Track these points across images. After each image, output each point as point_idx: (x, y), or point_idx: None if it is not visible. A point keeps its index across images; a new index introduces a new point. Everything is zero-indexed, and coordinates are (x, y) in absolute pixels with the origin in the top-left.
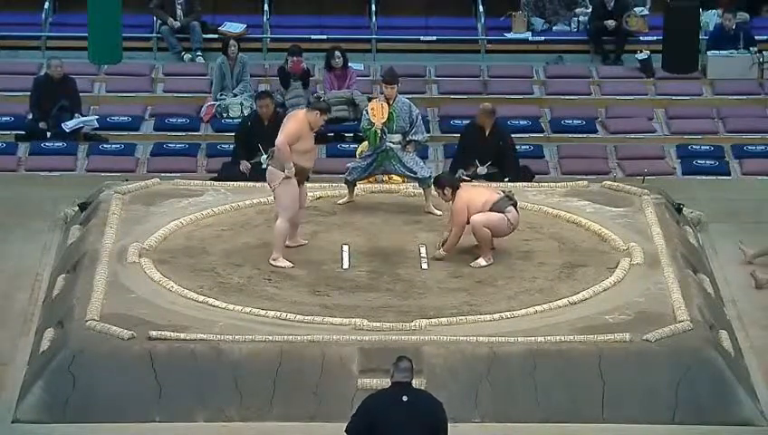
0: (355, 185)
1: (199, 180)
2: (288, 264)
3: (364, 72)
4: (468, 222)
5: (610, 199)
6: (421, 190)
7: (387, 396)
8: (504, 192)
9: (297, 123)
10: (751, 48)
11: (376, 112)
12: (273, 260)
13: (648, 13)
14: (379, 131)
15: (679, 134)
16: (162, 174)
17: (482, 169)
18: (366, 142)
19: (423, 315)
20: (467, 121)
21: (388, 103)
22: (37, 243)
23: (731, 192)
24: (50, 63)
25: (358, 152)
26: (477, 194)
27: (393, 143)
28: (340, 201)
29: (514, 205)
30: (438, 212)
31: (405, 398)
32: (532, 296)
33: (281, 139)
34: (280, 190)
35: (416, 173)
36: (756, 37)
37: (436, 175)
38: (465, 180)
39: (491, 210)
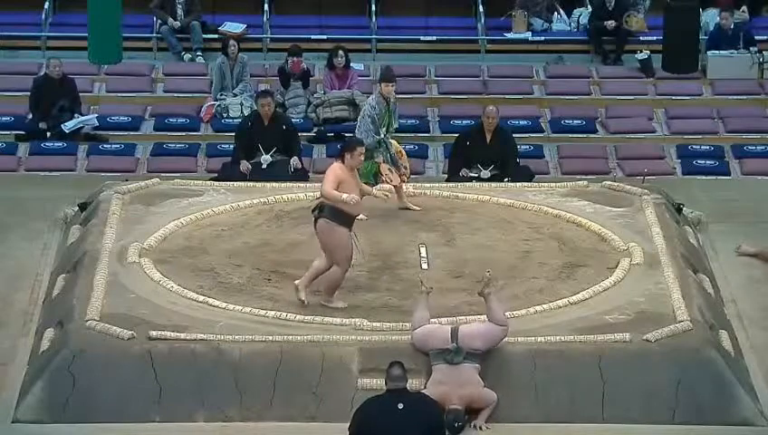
0: None
1: (199, 180)
2: (343, 304)
3: (364, 72)
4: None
5: (610, 199)
6: (421, 192)
7: (382, 405)
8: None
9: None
10: (751, 48)
11: (391, 178)
12: (327, 302)
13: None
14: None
15: (679, 134)
16: (162, 174)
17: (485, 173)
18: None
19: None
20: (467, 122)
21: (387, 102)
22: (37, 243)
23: (731, 192)
24: (49, 63)
25: None
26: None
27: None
28: None
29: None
30: (417, 208)
31: (400, 405)
32: (532, 296)
33: None
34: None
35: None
36: (756, 37)
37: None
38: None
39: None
